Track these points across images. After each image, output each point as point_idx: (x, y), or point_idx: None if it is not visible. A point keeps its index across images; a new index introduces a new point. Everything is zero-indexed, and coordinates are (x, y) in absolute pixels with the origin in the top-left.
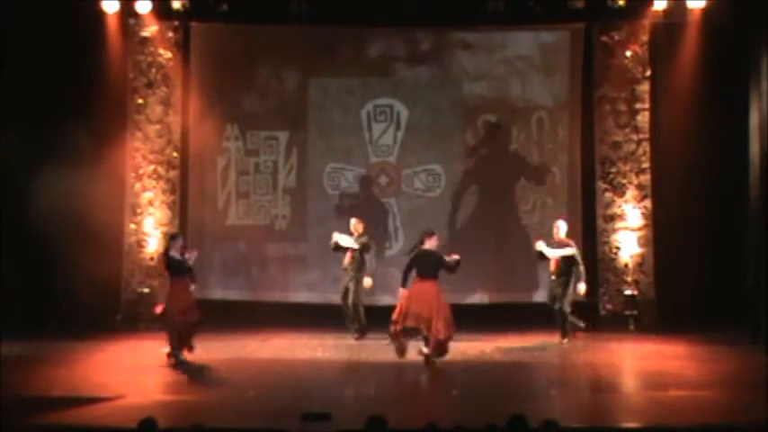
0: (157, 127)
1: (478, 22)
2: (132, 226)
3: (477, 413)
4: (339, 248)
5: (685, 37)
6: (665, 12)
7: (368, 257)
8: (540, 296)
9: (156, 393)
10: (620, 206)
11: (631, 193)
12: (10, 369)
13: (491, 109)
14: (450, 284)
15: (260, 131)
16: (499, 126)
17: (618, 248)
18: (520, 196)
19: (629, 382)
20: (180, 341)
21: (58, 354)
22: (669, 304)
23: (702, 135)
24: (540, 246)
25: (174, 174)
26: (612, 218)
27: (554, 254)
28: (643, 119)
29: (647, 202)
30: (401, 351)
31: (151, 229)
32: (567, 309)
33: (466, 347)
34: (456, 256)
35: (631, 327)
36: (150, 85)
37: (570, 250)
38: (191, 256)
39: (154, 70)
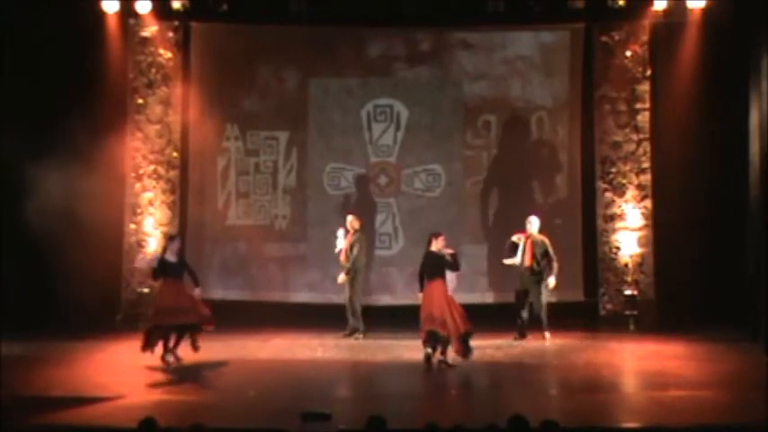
0: (157, 127)
1: (478, 22)
2: (132, 226)
3: (477, 413)
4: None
5: (685, 37)
6: (665, 12)
7: (353, 254)
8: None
9: (156, 393)
10: (620, 206)
11: (631, 193)
12: (10, 369)
13: (491, 109)
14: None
15: (260, 131)
16: (501, 126)
17: (618, 248)
18: (522, 196)
19: (629, 382)
20: (176, 342)
21: (58, 354)
22: (669, 304)
23: (702, 135)
24: (516, 239)
25: (173, 174)
26: (612, 218)
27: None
28: (643, 119)
29: (648, 202)
30: (426, 358)
31: (151, 229)
32: (544, 304)
33: None
34: (450, 250)
35: (631, 327)
36: (150, 84)
37: (543, 245)
38: (143, 257)
39: (154, 70)
